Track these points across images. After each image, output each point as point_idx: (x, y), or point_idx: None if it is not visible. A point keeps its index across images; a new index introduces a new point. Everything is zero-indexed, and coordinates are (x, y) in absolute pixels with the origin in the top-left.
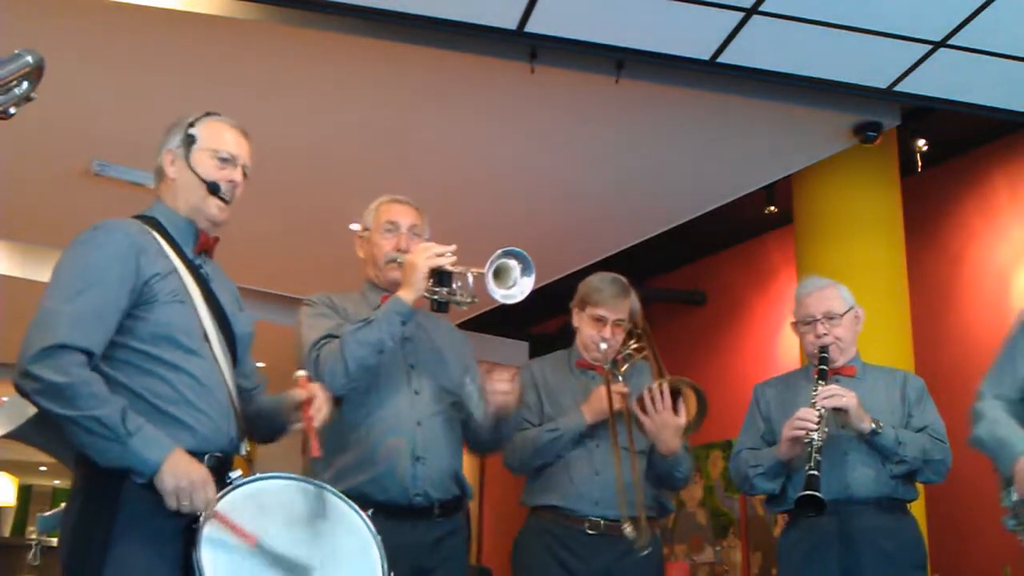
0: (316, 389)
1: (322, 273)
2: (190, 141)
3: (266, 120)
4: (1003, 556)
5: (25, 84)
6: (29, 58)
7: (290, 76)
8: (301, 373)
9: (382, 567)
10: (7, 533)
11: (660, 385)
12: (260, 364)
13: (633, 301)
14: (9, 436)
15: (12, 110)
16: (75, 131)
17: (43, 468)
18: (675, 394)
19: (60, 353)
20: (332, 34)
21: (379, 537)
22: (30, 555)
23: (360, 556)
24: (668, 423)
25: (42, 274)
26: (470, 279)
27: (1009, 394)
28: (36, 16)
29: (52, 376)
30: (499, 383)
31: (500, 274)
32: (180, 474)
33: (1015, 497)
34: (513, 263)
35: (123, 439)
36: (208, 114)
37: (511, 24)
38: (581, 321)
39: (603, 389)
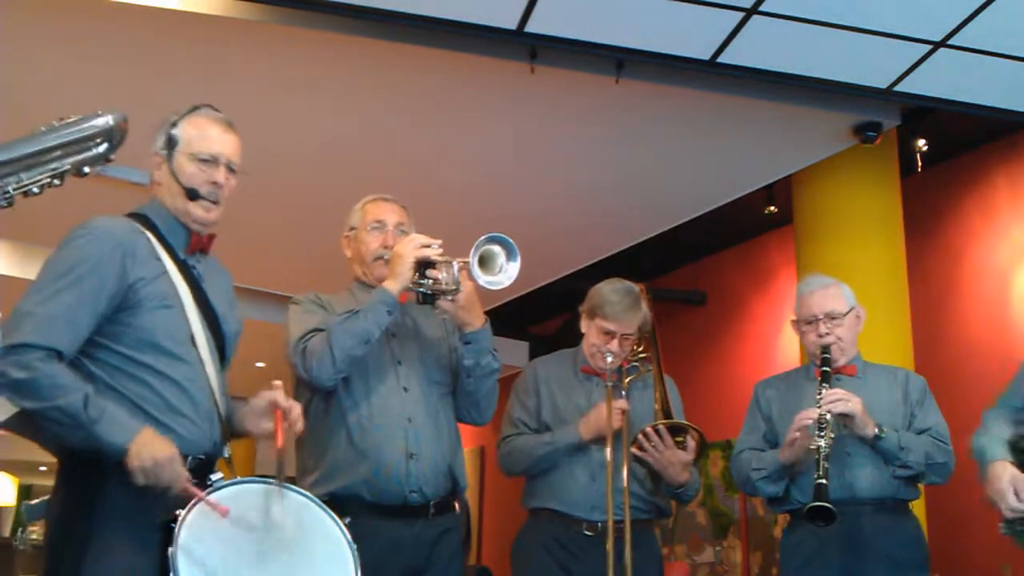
0: (293, 404)
1: (322, 273)
2: (172, 144)
3: (266, 120)
4: (1003, 556)
5: (104, 145)
6: (110, 118)
7: (290, 76)
8: (278, 384)
9: (355, 572)
10: (7, 533)
11: (655, 427)
12: (260, 364)
13: (644, 313)
14: (1, 426)
15: (87, 169)
16: None
17: (43, 468)
18: (678, 430)
19: (23, 351)
20: (332, 34)
21: (354, 545)
22: (16, 540)
23: (333, 558)
24: (673, 460)
25: None
26: (455, 268)
27: (1019, 402)
28: (36, 16)
29: (14, 372)
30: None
31: (485, 261)
32: (144, 455)
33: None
34: (498, 249)
35: (86, 425)
36: (195, 108)
37: (511, 24)
38: (589, 329)
39: (603, 407)
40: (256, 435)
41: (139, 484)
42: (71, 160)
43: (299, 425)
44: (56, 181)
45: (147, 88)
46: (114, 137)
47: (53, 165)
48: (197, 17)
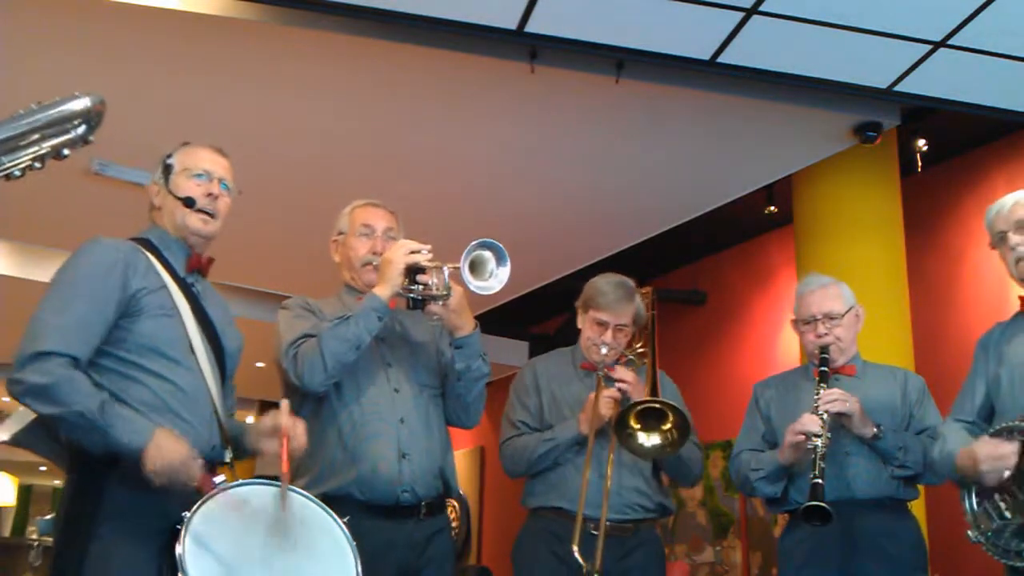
0: (298, 422)
1: (322, 273)
2: (168, 170)
3: (266, 120)
4: None
5: (83, 127)
6: (88, 100)
7: (290, 76)
8: (285, 403)
9: (356, 568)
10: (7, 533)
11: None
12: (260, 364)
13: (638, 304)
14: (10, 442)
15: (66, 151)
16: None
17: (43, 468)
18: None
19: (44, 358)
20: (332, 34)
21: (355, 543)
22: (31, 555)
23: (335, 556)
24: None
25: (42, 274)
26: (446, 273)
27: (967, 417)
28: (36, 16)
29: (35, 378)
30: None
31: (476, 266)
32: (159, 462)
33: (972, 504)
34: (488, 254)
35: (103, 429)
36: (185, 144)
37: (511, 24)
38: (584, 323)
39: (593, 397)
40: (262, 453)
41: (157, 485)
42: (50, 143)
43: (301, 441)
44: (37, 164)
45: (147, 88)
46: (92, 119)
47: (33, 148)
48: (197, 17)
